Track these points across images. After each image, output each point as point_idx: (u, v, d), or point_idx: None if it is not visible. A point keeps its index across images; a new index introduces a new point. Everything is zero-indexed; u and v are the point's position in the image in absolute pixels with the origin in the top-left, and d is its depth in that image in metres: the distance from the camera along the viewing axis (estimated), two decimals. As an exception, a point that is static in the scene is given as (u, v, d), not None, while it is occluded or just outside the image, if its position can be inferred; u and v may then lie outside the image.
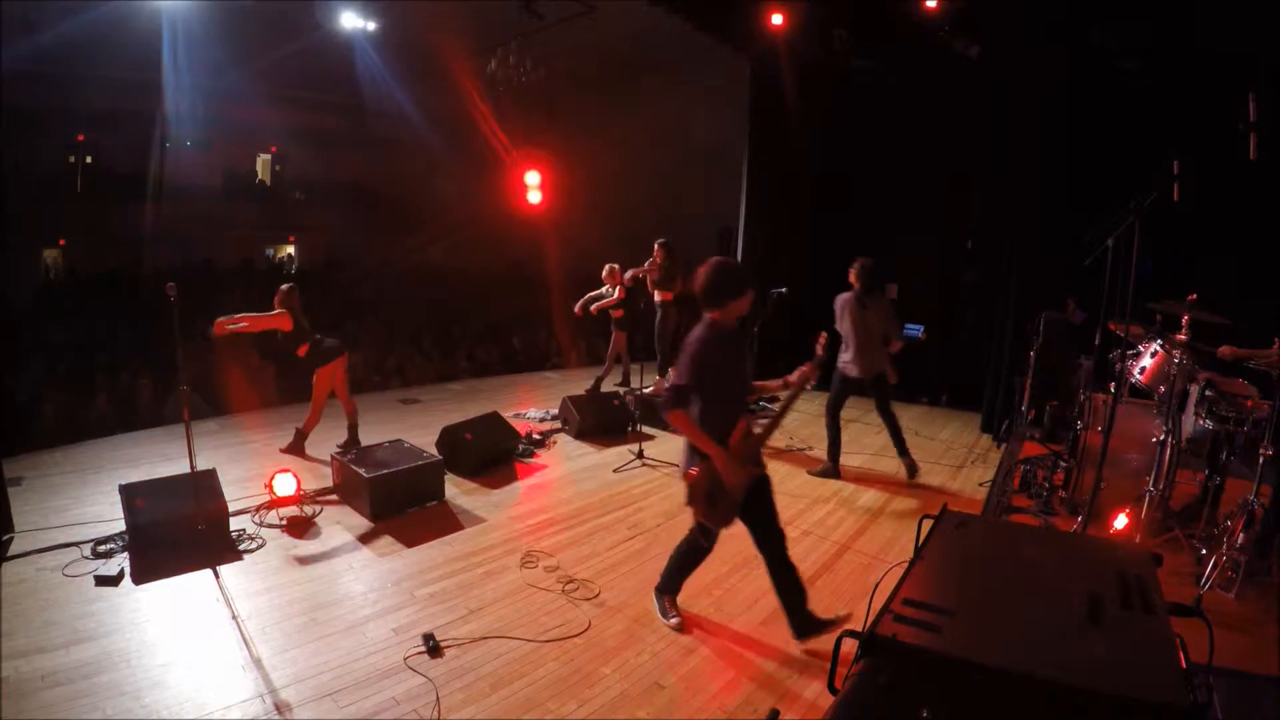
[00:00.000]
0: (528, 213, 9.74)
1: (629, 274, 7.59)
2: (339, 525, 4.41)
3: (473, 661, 3.07)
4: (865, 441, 6.62)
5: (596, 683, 2.97)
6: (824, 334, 3.32)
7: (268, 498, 4.43)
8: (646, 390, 6.91)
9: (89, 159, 15.91)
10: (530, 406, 7.55)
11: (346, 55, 13.12)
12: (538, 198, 9.21)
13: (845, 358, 5.45)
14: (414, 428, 6.24)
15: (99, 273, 13.60)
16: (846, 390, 5.56)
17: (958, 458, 6.48)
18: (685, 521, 4.77)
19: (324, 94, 16.95)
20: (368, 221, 18.38)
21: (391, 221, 18.53)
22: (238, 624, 3.26)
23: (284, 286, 5.43)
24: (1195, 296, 4.20)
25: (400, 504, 4.61)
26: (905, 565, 1.74)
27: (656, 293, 7.77)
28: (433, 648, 3.11)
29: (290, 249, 19.52)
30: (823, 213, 8.95)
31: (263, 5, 11.85)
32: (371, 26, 10.06)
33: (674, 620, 3.42)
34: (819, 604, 3.31)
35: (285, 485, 4.43)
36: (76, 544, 3.89)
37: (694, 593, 3.74)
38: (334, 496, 4.79)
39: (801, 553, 4.09)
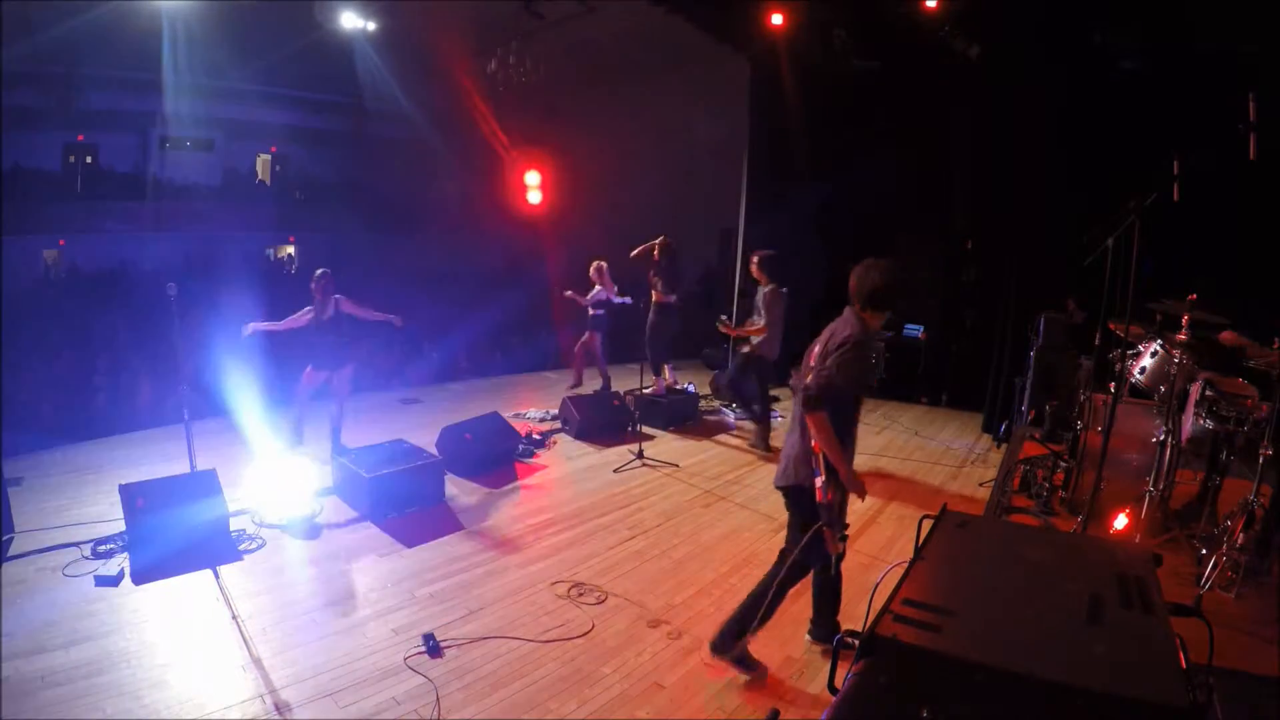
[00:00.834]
0: (528, 213, 9.74)
1: (635, 251, 7.34)
2: (339, 525, 4.42)
3: (473, 662, 3.07)
4: (865, 442, 6.58)
5: (596, 683, 2.97)
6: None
7: (267, 498, 4.44)
8: (646, 390, 6.90)
9: (89, 159, 15.91)
10: (530, 406, 7.56)
11: (346, 55, 13.09)
12: (538, 198, 9.22)
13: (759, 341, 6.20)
14: (414, 428, 6.23)
15: (99, 272, 13.60)
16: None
17: (958, 458, 6.48)
18: (685, 521, 4.80)
19: (324, 94, 16.96)
20: (368, 221, 18.38)
21: (391, 221, 18.53)
22: (238, 624, 3.26)
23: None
24: (1195, 296, 4.20)
25: (400, 504, 4.61)
26: (905, 565, 1.74)
27: (655, 292, 7.74)
28: (433, 648, 3.11)
29: (290, 249, 19.53)
30: (823, 213, 8.95)
31: (263, 5, 11.85)
32: (371, 26, 10.04)
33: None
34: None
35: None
36: (76, 544, 3.89)
37: (694, 593, 3.75)
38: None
39: (801, 553, 4.08)
